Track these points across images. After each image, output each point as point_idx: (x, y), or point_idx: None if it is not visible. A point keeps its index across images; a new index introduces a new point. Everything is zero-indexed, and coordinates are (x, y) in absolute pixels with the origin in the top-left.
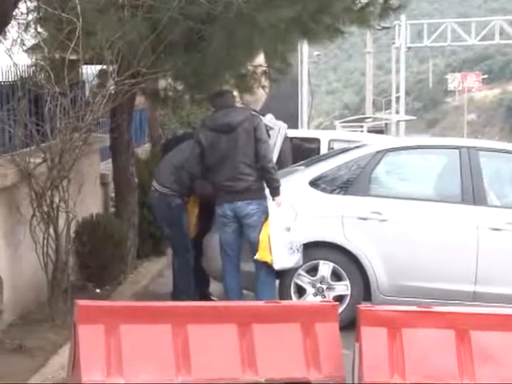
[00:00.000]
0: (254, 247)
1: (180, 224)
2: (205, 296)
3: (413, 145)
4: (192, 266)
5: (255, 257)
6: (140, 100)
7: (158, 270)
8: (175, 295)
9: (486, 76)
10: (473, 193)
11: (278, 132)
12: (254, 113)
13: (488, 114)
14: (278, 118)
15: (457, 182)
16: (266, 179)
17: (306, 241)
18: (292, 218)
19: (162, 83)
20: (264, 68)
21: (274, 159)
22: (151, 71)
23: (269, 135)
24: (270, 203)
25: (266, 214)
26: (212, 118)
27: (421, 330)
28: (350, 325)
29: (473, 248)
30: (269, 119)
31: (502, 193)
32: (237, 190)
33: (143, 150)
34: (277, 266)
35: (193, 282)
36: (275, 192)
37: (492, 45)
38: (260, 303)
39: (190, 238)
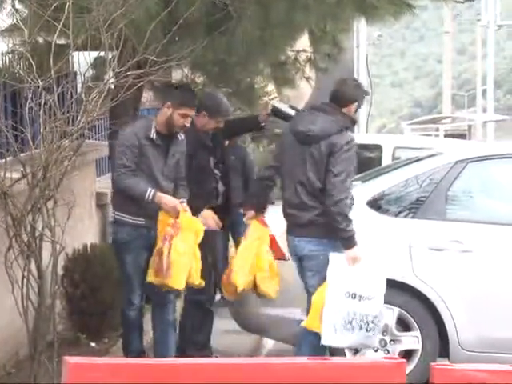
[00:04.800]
0: (309, 298)
1: (122, 265)
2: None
3: (504, 153)
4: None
5: (302, 323)
6: (148, 96)
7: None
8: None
9: None
10: None
11: None
12: (345, 127)
13: None
14: None
15: None
16: (332, 225)
17: None
18: (365, 281)
19: (176, 74)
20: (309, 54)
21: None
22: (162, 59)
23: None
24: (333, 256)
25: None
26: (296, 117)
27: None
28: None
29: None
30: None
31: None
32: (299, 222)
33: None
34: (324, 341)
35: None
36: (345, 244)
37: None
38: (303, 360)
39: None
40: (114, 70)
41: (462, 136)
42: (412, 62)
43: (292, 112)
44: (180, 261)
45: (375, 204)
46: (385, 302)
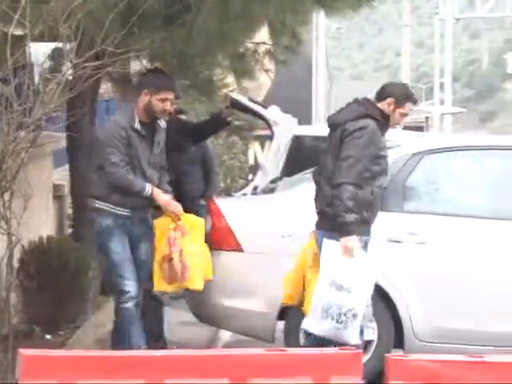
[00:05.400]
0: None
1: (109, 255)
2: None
3: (461, 145)
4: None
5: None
6: (107, 87)
7: None
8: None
9: None
10: None
11: (284, 129)
12: (367, 115)
13: None
14: (285, 110)
15: None
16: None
17: None
18: (350, 273)
19: (134, 66)
20: (268, 46)
21: (280, 165)
22: (121, 50)
23: (272, 132)
24: (327, 243)
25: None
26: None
27: None
28: (376, 379)
29: None
30: (273, 112)
31: None
32: (316, 211)
33: None
34: (302, 325)
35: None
36: (340, 230)
37: None
38: (259, 351)
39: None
40: (71, 62)
41: (419, 128)
42: (371, 55)
43: (251, 104)
44: (195, 262)
45: None
46: None
